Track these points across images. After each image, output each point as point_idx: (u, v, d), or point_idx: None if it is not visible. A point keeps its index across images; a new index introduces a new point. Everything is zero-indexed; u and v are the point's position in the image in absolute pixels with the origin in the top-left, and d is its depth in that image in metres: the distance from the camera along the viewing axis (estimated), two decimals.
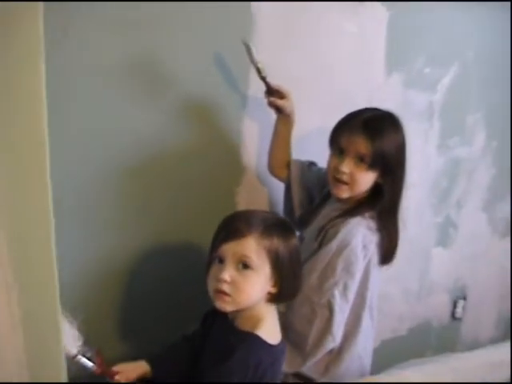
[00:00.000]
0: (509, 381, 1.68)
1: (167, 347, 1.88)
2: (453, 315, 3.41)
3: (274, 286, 1.61)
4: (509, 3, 2.75)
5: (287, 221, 1.74)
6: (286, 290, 1.63)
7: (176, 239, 2.32)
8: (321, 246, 1.92)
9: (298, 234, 1.84)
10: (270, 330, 1.61)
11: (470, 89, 2.94)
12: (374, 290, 2.04)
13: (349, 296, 1.90)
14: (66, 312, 1.50)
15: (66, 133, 1.91)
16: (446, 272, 3.27)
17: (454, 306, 3.39)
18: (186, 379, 1.75)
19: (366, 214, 1.96)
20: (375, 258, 1.98)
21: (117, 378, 1.72)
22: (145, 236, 2.24)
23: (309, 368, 1.94)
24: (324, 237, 1.94)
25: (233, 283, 1.57)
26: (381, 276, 2.09)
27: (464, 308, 3.42)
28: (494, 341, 3.41)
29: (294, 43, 2.37)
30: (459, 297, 3.38)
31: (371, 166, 1.90)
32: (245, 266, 1.56)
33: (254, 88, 2.29)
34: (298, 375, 1.96)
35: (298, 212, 2.26)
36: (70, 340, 1.59)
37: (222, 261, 1.59)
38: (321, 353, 1.91)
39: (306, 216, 2.17)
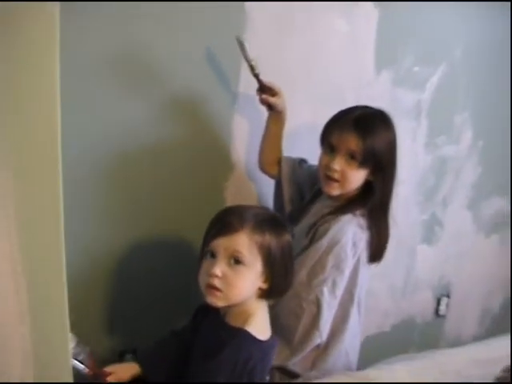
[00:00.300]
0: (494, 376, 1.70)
1: (155, 343, 1.87)
2: (436, 312, 3.44)
3: (265, 281, 1.60)
4: (503, 3, 2.78)
5: (280, 217, 1.74)
6: (277, 286, 1.63)
7: (164, 233, 2.32)
8: (311, 242, 1.93)
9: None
10: (260, 326, 1.61)
11: (457, 88, 2.97)
12: (363, 286, 2.05)
13: (337, 293, 1.91)
14: None
15: None
16: (431, 269, 3.29)
17: (438, 303, 3.42)
18: (176, 374, 1.74)
19: (357, 212, 1.96)
20: (364, 256, 1.99)
21: (109, 379, 1.73)
22: (133, 230, 2.24)
23: (295, 363, 1.94)
24: (314, 234, 1.94)
25: (224, 278, 1.56)
26: (369, 273, 2.10)
27: (448, 305, 3.45)
28: (477, 338, 3.43)
29: (285, 41, 2.38)
30: (443, 294, 3.41)
31: (362, 163, 1.90)
32: (236, 261, 1.56)
33: (245, 84, 2.30)
34: (284, 370, 1.96)
35: (288, 208, 2.26)
36: None
37: (213, 255, 1.58)
38: (307, 348, 1.91)
39: (296, 213, 2.17)
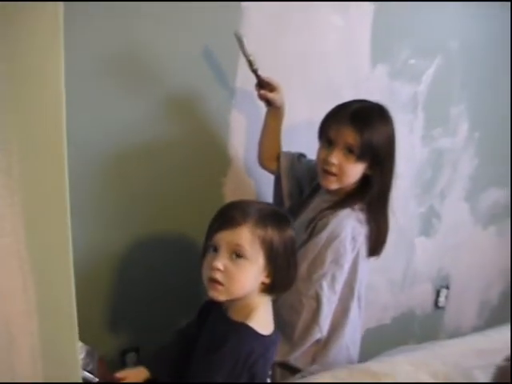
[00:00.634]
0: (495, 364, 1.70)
1: (162, 346, 1.89)
2: (436, 304, 3.45)
3: (267, 276, 1.60)
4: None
5: (283, 212, 1.73)
6: (279, 281, 1.63)
7: (164, 230, 2.33)
8: (310, 237, 1.93)
9: None
10: (262, 321, 1.62)
11: (453, 80, 2.98)
12: (362, 280, 2.06)
13: (336, 287, 1.92)
14: None
15: None
16: (430, 262, 3.31)
17: (437, 295, 3.43)
18: (181, 370, 1.75)
19: (356, 207, 1.96)
20: (364, 250, 1.99)
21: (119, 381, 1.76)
22: (132, 227, 2.25)
23: (296, 358, 1.95)
24: (313, 228, 1.95)
25: (226, 272, 1.56)
26: (368, 267, 2.11)
27: (447, 297, 3.46)
28: (476, 329, 3.44)
29: (281, 38, 2.38)
30: (442, 286, 3.42)
31: (360, 157, 1.90)
32: (238, 255, 1.56)
33: (242, 80, 2.31)
34: (284, 365, 1.97)
35: (287, 203, 2.27)
36: None
37: (216, 249, 1.58)
38: (308, 343, 1.92)
39: (295, 207, 2.17)
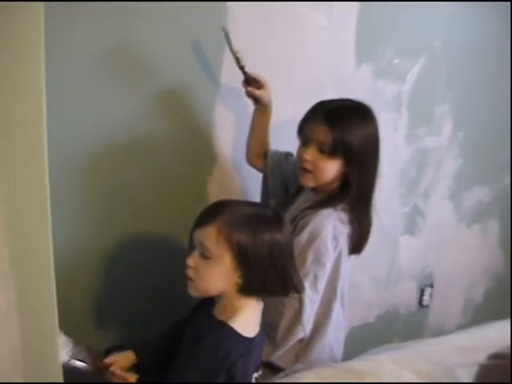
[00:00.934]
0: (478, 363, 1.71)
1: (154, 336, 1.90)
2: (420, 303, 3.47)
3: (240, 277, 1.59)
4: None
5: (267, 214, 1.66)
6: (251, 283, 1.60)
7: (147, 228, 2.32)
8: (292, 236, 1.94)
9: None
10: (245, 322, 1.61)
11: (437, 80, 2.99)
12: (345, 279, 2.07)
13: (319, 287, 1.92)
14: None
15: None
16: (414, 260, 3.32)
17: (422, 293, 3.44)
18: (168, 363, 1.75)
19: (338, 207, 1.96)
20: (346, 249, 2.00)
21: (112, 368, 1.76)
22: (116, 224, 2.25)
23: (278, 357, 1.95)
24: (295, 227, 1.95)
25: (196, 269, 1.60)
26: (350, 265, 2.12)
27: (431, 295, 3.48)
28: (460, 328, 3.45)
29: (265, 37, 2.39)
30: (426, 284, 3.43)
31: (332, 154, 1.91)
32: (203, 253, 1.58)
33: (228, 77, 2.31)
34: (266, 364, 1.96)
35: (272, 202, 2.27)
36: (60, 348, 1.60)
37: (192, 247, 1.61)
38: (290, 343, 1.93)
39: (280, 206, 2.17)
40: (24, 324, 1.26)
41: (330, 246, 1.91)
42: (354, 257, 2.09)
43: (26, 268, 1.24)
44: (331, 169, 1.95)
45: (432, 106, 3.03)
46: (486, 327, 2.34)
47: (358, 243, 2.03)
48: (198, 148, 2.36)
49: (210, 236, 1.56)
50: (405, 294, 3.37)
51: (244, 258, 1.56)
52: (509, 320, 2.30)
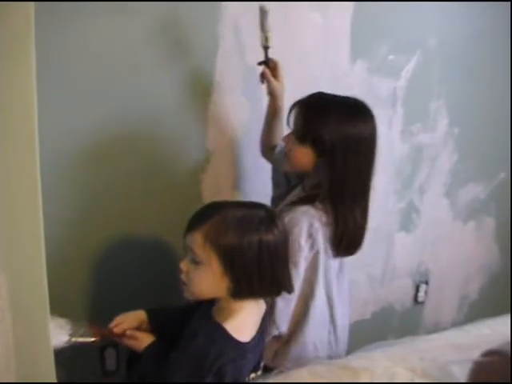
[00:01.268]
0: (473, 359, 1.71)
1: (169, 306, 1.91)
2: (415, 299, 3.46)
3: (230, 281, 1.58)
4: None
5: (258, 215, 1.62)
6: (240, 287, 1.58)
7: (141, 226, 2.32)
8: None
9: None
10: (239, 326, 1.60)
11: (432, 76, 2.98)
12: (331, 281, 2.06)
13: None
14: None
15: None
16: (409, 257, 3.32)
17: (417, 290, 3.44)
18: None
19: (319, 205, 1.95)
20: (328, 249, 1.98)
21: (116, 330, 1.74)
22: (108, 224, 2.26)
23: None
24: None
25: (188, 273, 1.60)
26: (348, 263, 2.12)
27: (426, 292, 3.48)
28: (456, 324, 3.46)
29: (260, 34, 2.36)
30: (422, 281, 3.43)
31: (301, 141, 1.93)
32: (193, 258, 1.58)
33: (221, 74, 2.31)
34: None
35: (274, 193, 2.31)
36: (58, 330, 1.60)
37: (186, 250, 1.62)
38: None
39: (276, 199, 2.21)
40: (17, 324, 1.26)
41: (305, 244, 1.91)
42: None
43: (19, 266, 1.24)
44: (299, 156, 1.97)
45: (427, 102, 3.02)
46: (480, 324, 2.34)
47: (346, 244, 2.01)
48: (191, 146, 2.35)
49: (197, 241, 1.56)
50: (400, 291, 3.37)
51: (231, 263, 1.55)
52: (503, 317, 2.31)
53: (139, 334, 1.74)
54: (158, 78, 2.21)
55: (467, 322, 2.52)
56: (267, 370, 1.97)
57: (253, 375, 1.69)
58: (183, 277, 1.61)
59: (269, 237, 1.58)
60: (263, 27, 2.14)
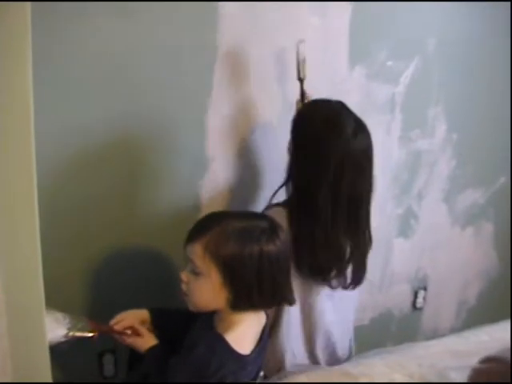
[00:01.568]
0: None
1: (172, 308, 1.89)
2: (414, 305, 3.46)
3: (230, 293, 1.57)
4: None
5: (259, 226, 1.62)
6: (239, 299, 1.58)
7: (138, 231, 2.32)
8: None
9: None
10: (240, 338, 1.61)
11: (431, 82, 2.98)
12: (315, 300, 2.06)
13: None
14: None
15: None
16: (407, 262, 3.31)
17: (415, 296, 3.43)
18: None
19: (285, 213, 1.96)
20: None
21: (117, 327, 1.75)
22: (104, 233, 2.25)
23: None
24: None
25: (188, 284, 1.61)
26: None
27: (425, 298, 3.47)
28: (454, 330, 3.46)
29: (258, 38, 2.38)
30: (420, 287, 3.42)
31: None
32: (193, 269, 1.58)
33: (219, 80, 2.31)
34: None
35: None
36: (55, 324, 1.59)
37: (186, 261, 1.62)
38: None
39: None
40: (13, 326, 1.25)
41: None
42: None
43: (14, 270, 1.24)
44: None
45: (425, 108, 3.02)
46: (479, 331, 2.34)
47: (309, 266, 1.98)
48: (189, 152, 2.35)
49: (197, 252, 1.56)
50: (399, 297, 3.36)
51: (231, 275, 1.55)
52: (501, 323, 2.31)
53: (145, 332, 1.74)
54: (158, 83, 2.20)
55: (466, 327, 2.52)
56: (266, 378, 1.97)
57: None
58: (184, 287, 1.61)
59: (270, 248, 1.57)
60: (298, 62, 2.24)
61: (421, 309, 3.50)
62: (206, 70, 2.29)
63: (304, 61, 2.24)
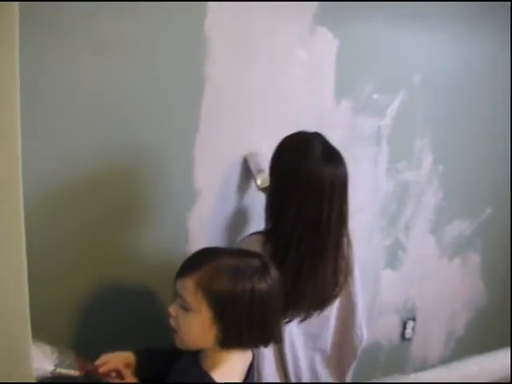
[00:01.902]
0: None
1: (157, 349, 1.88)
2: (402, 336, 3.45)
3: (219, 331, 1.55)
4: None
5: (251, 264, 1.60)
6: (229, 337, 1.56)
7: (126, 266, 2.31)
8: None
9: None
10: (227, 376, 1.58)
11: (416, 114, 3.00)
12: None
13: None
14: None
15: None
16: (396, 293, 3.32)
17: (404, 326, 3.43)
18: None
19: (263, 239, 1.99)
20: None
21: (101, 370, 1.73)
22: (94, 264, 2.25)
23: None
24: None
25: (177, 319, 1.58)
26: None
27: (413, 328, 3.47)
28: (443, 361, 3.46)
29: (245, 71, 2.41)
30: (409, 318, 3.43)
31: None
32: (182, 305, 1.57)
33: (207, 111, 2.33)
34: None
35: None
36: (43, 358, 1.58)
37: (175, 295, 1.59)
38: None
39: None
40: None
41: None
42: None
43: (1, 298, 1.24)
44: None
45: (412, 140, 3.05)
46: (467, 361, 2.35)
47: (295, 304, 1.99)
48: (177, 184, 2.36)
49: (188, 288, 1.54)
50: (387, 328, 3.37)
51: (222, 313, 1.53)
52: (489, 354, 2.32)
53: (129, 376, 1.74)
54: (146, 116, 2.22)
55: (455, 357, 2.52)
56: None
57: None
58: (172, 322, 1.58)
59: (262, 286, 1.56)
60: (252, 171, 2.32)
61: (410, 339, 3.50)
62: (193, 102, 2.31)
63: (261, 171, 2.33)
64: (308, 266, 1.96)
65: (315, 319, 2.09)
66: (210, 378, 1.54)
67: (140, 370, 1.79)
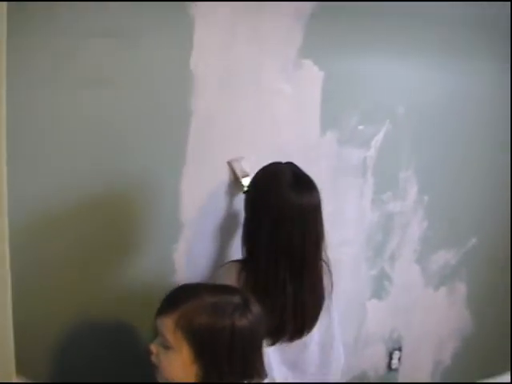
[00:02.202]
0: None
1: None
2: (389, 366, 3.45)
3: (200, 368, 1.54)
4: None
5: (231, 301, 1.61)
6: (209, 376, 1.54)
7: (110, 298, 2.30)
8: None
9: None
10: None
11: (401, 145, 3.03)
12: None
13: None
14: None
15: None
16: (382, 324, 3.31)
17: (390, 356, 3.43)
18: None
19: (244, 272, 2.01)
20: None
21: None
22: (76, 298, 2.23)
23: None
24: None
25: (158, 357, 1.57)
26: None
27: (400, 358, 3.47)
28: None
29: (230, 103, 2.42)
30: (395, 348, 3.42)
31: None
32: (163, 343, 1.56)
33: (193, 144, 2.34)
34: None
35: None
36: None
37: (156, 332, 1.59)
38: None
39: None
40: None
41: None
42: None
43: None
44: None
45: (397, 171, 3.07)
46: None
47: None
48: (163, 215, 2.36)
49: (167, 327, 1.54)
50: (373, 358, 3.36)
51: (202, 351, 1.52)
52: None
53: None
54: (133, 148, 2.23)
55: None
56: None
57: None
58: (153, 358, 1.57)
59: (243, 323, 1.55)
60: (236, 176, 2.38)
61: (396, 369, 3.49)
62: (180, 135, 2.32)
63: (245, 175, 2.41)
64: (287, 291, 1.98)
65: (293, 345, 2.11)
66: None
67: None
